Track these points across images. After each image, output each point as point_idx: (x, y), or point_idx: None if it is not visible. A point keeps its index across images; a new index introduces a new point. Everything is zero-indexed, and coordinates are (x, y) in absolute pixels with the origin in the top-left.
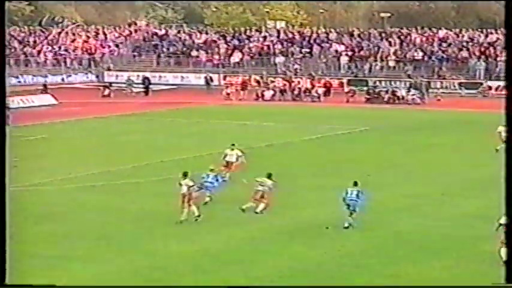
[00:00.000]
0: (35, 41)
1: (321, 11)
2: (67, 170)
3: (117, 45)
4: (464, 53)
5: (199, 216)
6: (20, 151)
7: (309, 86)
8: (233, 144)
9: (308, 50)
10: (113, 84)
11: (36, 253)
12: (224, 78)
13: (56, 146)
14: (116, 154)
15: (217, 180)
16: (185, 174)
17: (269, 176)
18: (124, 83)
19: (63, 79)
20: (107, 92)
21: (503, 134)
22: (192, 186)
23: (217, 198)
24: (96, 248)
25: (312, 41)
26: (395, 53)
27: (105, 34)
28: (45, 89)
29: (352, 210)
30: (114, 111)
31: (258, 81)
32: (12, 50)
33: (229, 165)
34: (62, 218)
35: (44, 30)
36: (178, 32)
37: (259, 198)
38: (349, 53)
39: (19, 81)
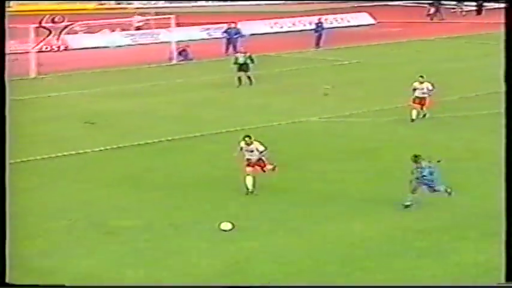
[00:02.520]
0: None
1: None
2: (381, 101)
3: None
4: None
5: None
6: (334, 77)
7: None
8: (422, 76)
9: None
10: (442, 2)
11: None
12: None
13: (372, 73)
14: (442, 83)
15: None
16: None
17: None
18: (454, 1)
19: None
20: (433, 10)
21: None
22: None
23: None
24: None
25: None
26: None
27: None
28: None
29: None
30: (440, 32)
31: None
32: None
33: (422, 101)
34: (376, 155)
35: None
36: None
37: None
38: None
39: None
